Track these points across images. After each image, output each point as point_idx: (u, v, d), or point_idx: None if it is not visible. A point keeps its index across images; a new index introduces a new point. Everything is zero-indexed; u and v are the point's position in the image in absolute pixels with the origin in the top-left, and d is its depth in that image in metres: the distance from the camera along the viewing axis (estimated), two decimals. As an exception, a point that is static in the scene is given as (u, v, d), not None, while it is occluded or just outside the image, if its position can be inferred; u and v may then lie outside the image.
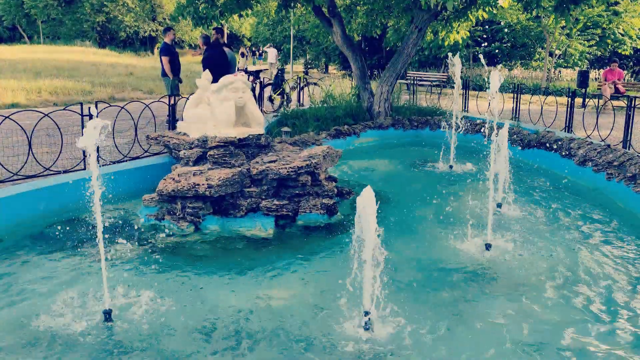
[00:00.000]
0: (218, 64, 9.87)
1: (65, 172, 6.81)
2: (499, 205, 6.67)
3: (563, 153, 8.83)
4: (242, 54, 30.00)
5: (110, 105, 8.02)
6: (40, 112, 7.29)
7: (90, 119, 3.91)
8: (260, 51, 39.15)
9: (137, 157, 7.73)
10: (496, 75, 5.70)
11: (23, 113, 7.75)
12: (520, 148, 9.78)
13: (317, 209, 6.12)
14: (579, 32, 24.24)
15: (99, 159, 7.09)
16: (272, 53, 30.77)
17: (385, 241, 3.82)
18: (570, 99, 10.71)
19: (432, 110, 12.98)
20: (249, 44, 53.25)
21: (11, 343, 3.68)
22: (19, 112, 7.35)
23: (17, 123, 6.95)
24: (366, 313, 3.84)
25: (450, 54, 10.27)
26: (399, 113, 12.46)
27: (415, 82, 16.53)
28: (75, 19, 44.34)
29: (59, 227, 5.69)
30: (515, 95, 12.41)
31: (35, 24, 48.68)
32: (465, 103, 14.28)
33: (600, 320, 4.14)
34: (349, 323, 3.94)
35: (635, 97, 8.94)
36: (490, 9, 12.15)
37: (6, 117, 6.73)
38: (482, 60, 5.72)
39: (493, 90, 5.66)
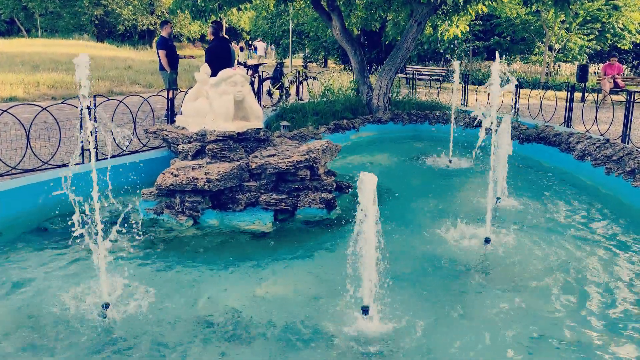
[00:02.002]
0: (221, 57, 9.84)
1: (63, 165, 6.79)
2: (498, 200, 6.67)
3: (562, 147, 8.83)
4: (242, 48, 30.17)
5: (109, 99, 7.99)
6: (39, 106, 7.27)
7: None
8: (254, 45, 39.47)
9: (136, 151, 7.71)
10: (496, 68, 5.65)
11: (21, 107, 7.72)
12: (519, 142, 9.77)
13: (316, 203, 6.12)
14: (578, 27, 24.19)
15: (97, 152, 7.08)
16: (261, 47, 32.06)
17: (384, 234, 3.82)
18: (569, 93, 10.70)
19: (431, 105, 12.97)
20: (247, 37, 53.10)
21: (9, 336, 3.68)
22: (17, 106, 7.32)
23: (15, 117, 6.93)
24: (364, 307, 3.85)
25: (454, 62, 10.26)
26: (398, 107, 12.44)
27: (414, 77, 16.49)
28: (73, 12, 44.15)
29: (57, 221, 5.69)
30: (515, 89, 12.39)
31: (33, 17, 48.47)
32: (464, 97, 14.26)
33: (599, 314, 4.15)
34: (348, 316, 3.94)
35: (635, 92, 8.93)
36: (490, 2, 12.12)
37: (4, 111, 6.70)
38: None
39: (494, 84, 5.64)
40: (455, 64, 10.31)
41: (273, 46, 41.68)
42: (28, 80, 15.58)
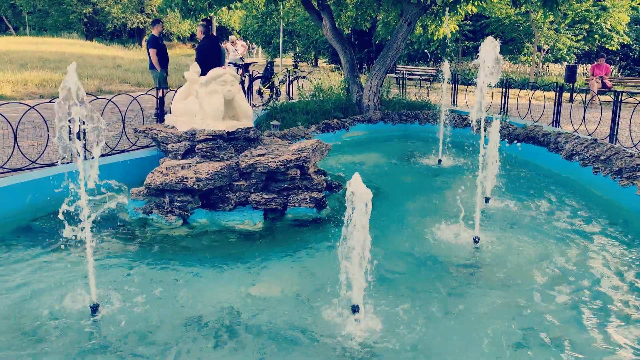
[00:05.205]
0: (211, 56, 9.80)
1: (52, 164, 6.74)
2: (487, 199, 6.71)
3: (550, 147, 8.90)
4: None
5: (98, 98, 7.93)
6: (26, 105, 7.20)
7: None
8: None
9: (125, 150, 7.67)
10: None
11: (8, 105, 7.65)
12: (508, 142, 9.83)
13: (306, 202, 6.12)
14: (566, 27, 24.38)
15: (86, 151, 7.03)
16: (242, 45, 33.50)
17: (374, 234, 3.82)
18: (558, 93, 10.78)
19: (421, 104, 13.01)
20: (238, 36, 53.01)
21: (-3, 338, 3.65)
22: (4, 105, 7.25)
23: (3, 115, 6.86)
24: (354, 307, 3.86)
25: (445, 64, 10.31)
26: (388, 107, 12.47)
27: (404, 76, 16.54)
28: (61, 10, 43.77)
29: (45, 221, 5.64)
30: (504, 89, 12.47)
31: (21, 15, 48.02)
32: (454, 97, 14.33)
33: (587, 312, 4.18)
34: (338, 316, 3.94)
35: (622, 92, 9.03)
36: (480, 3, 12.18)
37: (-9, 110, 6.64)
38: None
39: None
40: (445, 65, 10.35)
41: (254, 45, 41.76)
42: (16, 78, 15.43)
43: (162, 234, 5.52)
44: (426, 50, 25.47)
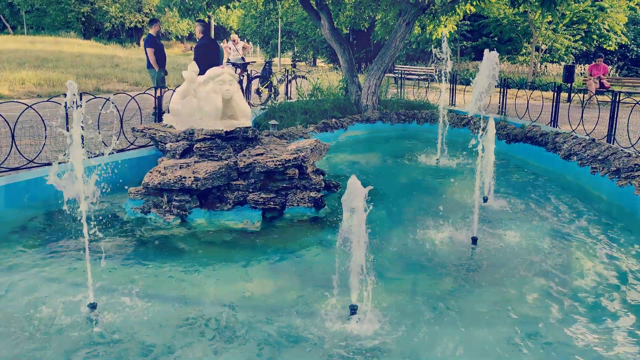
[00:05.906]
0: (210, 55, 9.77)
1: (48, 164, 6.72)
2: (485, 199, 6.71)
3: (548, 147, 8.91)
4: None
5: (95, 97, 7.91)
6: (24, 104, 7.17)
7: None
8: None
9: (123, 150, 7.65)
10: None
11: (6, 104, 7.61)
12: (506, 142, 9.84)
13: (305, 202, 6.12)
14: (564, 27, 24.42)
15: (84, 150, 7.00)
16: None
17: (372, 235, 3.82)
18: (556, 93, 10.79)
19: (419, 104, 13.01)
20: (236, 36, 53.03)
21: (-6, 337, 3.64)
22: (1, 104, 7.22)
23: (0, 115, 6.84)
24: (352, 307, 3.86)
25: (437, 49, 10.32)
26: (386, 107, 12.47)
27: (402, 76, 16.53)
28: (59, 9, 43.66)
29: (43, 220, 5.63)
30: (502, 89, 12.48)
31: (18, 14, 47.89)
32: (452, 97, 14.32)
33: (585, 312, 4.19)
34: (336, 316, 3.94)
35: (620, 92, 9.03)
36: (478, 2, 12.18)
37: (-12, 109, 6.61)
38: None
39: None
40: (449, 63, 10.36)
41: (251, 44, 41.70)
42: (13, 77, 15.37)
43: (160, 233, 5.51)
44: (432, 50, 25.54)
